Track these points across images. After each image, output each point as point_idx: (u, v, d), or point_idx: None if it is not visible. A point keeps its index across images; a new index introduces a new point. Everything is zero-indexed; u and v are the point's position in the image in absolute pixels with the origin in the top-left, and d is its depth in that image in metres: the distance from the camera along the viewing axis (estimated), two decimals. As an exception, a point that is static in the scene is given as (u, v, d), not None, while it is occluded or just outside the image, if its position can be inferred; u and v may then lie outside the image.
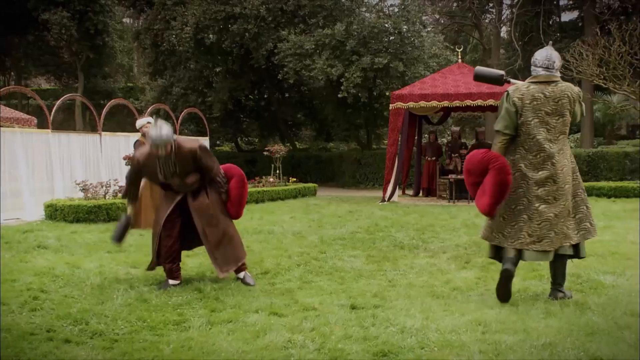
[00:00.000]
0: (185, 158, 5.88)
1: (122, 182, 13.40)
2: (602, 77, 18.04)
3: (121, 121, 29.47)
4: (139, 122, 11.02)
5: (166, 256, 6.05)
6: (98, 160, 14.55)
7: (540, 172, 5.24)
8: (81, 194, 12.46)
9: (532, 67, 5.44)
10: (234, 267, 6.12)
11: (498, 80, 5.80)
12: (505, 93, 5.40)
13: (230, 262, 6.07)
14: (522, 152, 5.32)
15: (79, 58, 30.71)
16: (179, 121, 19.36)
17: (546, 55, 5.40)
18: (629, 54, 17.42)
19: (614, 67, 17.64)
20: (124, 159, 12.77)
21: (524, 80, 5.45)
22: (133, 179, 6.26)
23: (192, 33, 23.54)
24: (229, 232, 6.20)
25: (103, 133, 14.95)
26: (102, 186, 12.71)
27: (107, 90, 34.42)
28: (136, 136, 11.58)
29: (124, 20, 38.32)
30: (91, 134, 15.26)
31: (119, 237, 6.23)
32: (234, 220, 6.41)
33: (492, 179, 5.12)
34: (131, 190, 6.31)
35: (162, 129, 5.68)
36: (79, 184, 12.51)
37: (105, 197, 12.58)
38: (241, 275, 6.19)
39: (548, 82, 5.33)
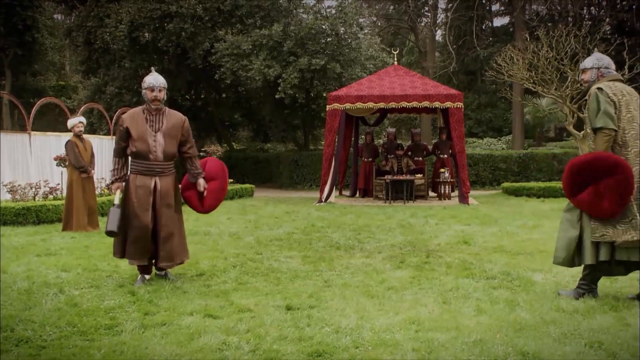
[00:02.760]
0: (174, 121, 6.12)
1: (53, 184, 13.04)
2: (532, 81, 18.64)
3: (52, 120, 28.61)
4: (71, 122, 10.75)
5: (143, 252, 6.01)
6: (27, 160, 14.08)
7: (634, 168, 5.14)
8: (8, 196, 12.03)
9: (605, 70, 5.49)
10: (174, 265, 6.19)
11: None
12: (597, 89, 5.27)
13: (173, 259, 6.11)
14: (617, 148, 5.21)
15: (6, 54, 29.60)
16: (113, 121, 18.93)
17: (608, 59, 5.58)
18: (556, 60, 18.06)
19: (543, 72, 18.25)
20: (55, 159, 12.40)
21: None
22: (122, 148, 6.09)
23: (126, 31, 23.07)
24: (182, 228, 6.29)
25: (33, 133, 14.47)
26: (31, 187, 12.31)
27: (37, 88, 33.33)
28: (68, 136, 11.27)
29: (55, 16, 37.14)
30: (20, 134, 14.76)
31: (118, 226, 5.89)
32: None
33: (619, 182, 5.02)
34: (120, 164, 6.13)
35: (158, 76, 6.14)
36: (6, 185, 12.08)
37: (34, 198, 12.19)
38: (162, 272, 6.31)
39: (621, 80, 5.47)
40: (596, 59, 5.54)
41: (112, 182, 6.15)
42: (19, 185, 12.15)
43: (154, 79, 6.10)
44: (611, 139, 5.19)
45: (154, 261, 6.20)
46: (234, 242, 8.93)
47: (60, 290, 5.72)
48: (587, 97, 5.45)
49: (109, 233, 5.90)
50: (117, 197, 6.03)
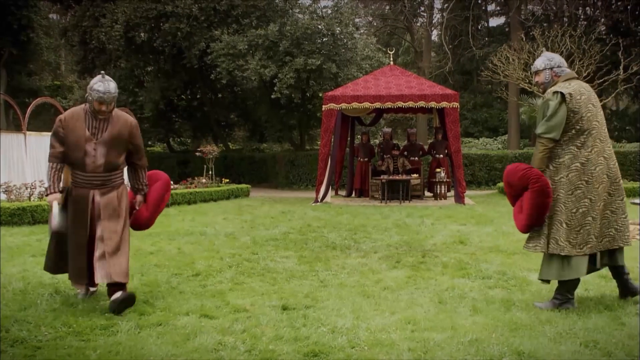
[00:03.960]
0: (120, 127, 5.22)
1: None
2: (527, 80, 18.69)
3: (48, 120, 28.51)
4: (66, 122, 10.71)
5: (84, 274, 5.28)
6: (22, 160, 14.03)
7: (597, 168, 5.00)
8: (4, 196, 12.00)
9: (558, 69, 5.29)
10: (123, 280, 5.12)
11: None
12: (553, 94, 5.06)
13: (121, 275, 5.11)
14: (575, 150, 5.02)
15: (1, 54, 29.51)
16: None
17: (559, 57, 5.42)
18: (552, 59, 18.09)
19: (538, 72, 18.28)
20: (50, 159, 12.37)
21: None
22: (60, 153, 5.16)
23: (122, 31, 23.06)
24: (127, 244, 5.28)
25: (28, 133, 14.43)
26: (26, 188, 12.28)
27: (33, 88, 33.22)
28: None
29: (51, 16, 37.07)
30: (15, 134, 14.71)
31: (59, 224, 5.23)
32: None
33: (531, 200, 4.96)
34: (55, 172, 5.15)
35: (110, 83, 5.13)
36: (1, 186, 12.05)
37: (30, 199, 12.16)
38: (119, 295, 5.02)
39: (576, 77, 5.32)
40: (547, 59, 5.36)
41: (47, 193, 5.17)
42: (14, 185, 12.12)
43: (104, 89, 5.07)
44: (548, 150, 5.10)
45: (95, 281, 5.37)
46: (230, 242, 8.92)
47: (56, 290, 5.70)
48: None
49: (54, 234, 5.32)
50: (55, 212, 5.19)
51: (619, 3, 30.15)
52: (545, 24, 27.63)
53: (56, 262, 5.48)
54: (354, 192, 18.61)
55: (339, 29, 22.16)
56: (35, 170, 14.17)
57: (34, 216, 11.11)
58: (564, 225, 4.96)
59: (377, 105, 16.35)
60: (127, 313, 4.94)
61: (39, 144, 14.56)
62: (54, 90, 36.52)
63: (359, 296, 5.51)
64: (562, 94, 5.01)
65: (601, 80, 18.36)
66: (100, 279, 5.10)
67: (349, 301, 5.31)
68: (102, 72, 5.38)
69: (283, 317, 4.80)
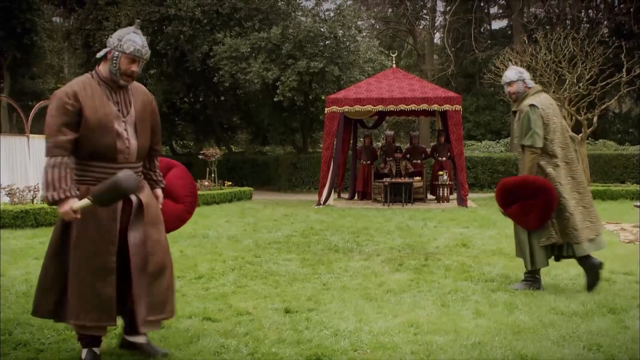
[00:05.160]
0: (143, 99, 4.01)
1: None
2: (530, 83, 18.65)
3: (50, 123, 28.54)
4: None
5: (107, 310, 3.69)
6: (26, 163, 14.06)
7: (561, 172, 5.75)
8: (7, 199, 12.02)
9: (528, 80, 5.92)
10: (162, 317, 3.91)
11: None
12: (530, 107, 5.69)
13: (164, 308, 3.89)
14: (547, 158, 5.73)
15: (5, 57, 29.60)
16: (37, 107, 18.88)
17: (527, 72, 6.08)
18: (554, 62, 18.10)
19: (541, 74, 18.28)
20: (53, 162, 12.39)
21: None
22: (69, 142, 3.65)
23: (125, 34, 23.07)
24: (169, 257, 4.02)
25: (31, 135, 14.46)
26: (29, 190, 12.30)
27: (36, 91, 33.31)
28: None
29: (54, 19, 37.17)
30: (18, 136, 14.75)
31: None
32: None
33: (543, 203, 5.57)
34: (65, 169, 3.63)
35: (144, 39, 3.91)
36: (4, 188, 12.07)
37: (33, 201, 12.18)
38: (142, 339, 3.90)
39: (545, 91, 5.96)
40: (518, 72, 5.96)
41: (57, 202, 3.60)
42: (17, 188, 12.14)
43: (142, 41, 3.86)
44: (537, 156, 5.70)
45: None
46: (233, 245, 8.92)
47: (59, 293, 5.70)
48: (514, 109, 5.95)
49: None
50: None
51: (622, 6, 30.16)
52: (547, 27, 27.64)
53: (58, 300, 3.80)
54: (356, 195, 18.60)
55: (341, 31, 22.18)
56: (39, 173, 14.20)
57: (37, 219, 11.12)
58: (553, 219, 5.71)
59: (380, 108, 16.35)
60: (130, 316, 4.94)
61: (42, 146, 14.59)
62: (57, 93, 36.53)
63: (361, 299, 5.51)
64: (537, 107, 5.68)
65: (604, 83, 18.34)
66: (145, 314, 3.74)
67: (352, 304, 5.30)
68: (138, 20, 4.35)
69: (286, 320, 4.80)
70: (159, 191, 4.19)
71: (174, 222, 4.39)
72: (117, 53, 3.79)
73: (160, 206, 4.12)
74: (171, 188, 4.37)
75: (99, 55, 3.85)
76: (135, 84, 3.99)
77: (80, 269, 3.66)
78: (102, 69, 3.84)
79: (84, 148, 3.71)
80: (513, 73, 5.97)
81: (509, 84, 5.97)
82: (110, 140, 3.72)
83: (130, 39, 3.81)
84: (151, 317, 3.77)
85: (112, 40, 3.84)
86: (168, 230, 4.17)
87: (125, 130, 3.79)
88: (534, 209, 5.60)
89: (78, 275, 3.67)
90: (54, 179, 3.60)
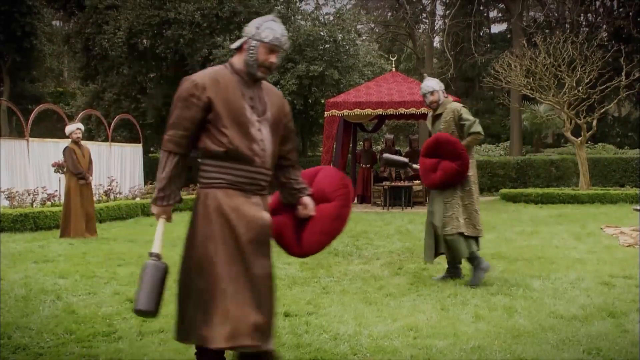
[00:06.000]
0: (277, 99, 3.58)
1: (51, 190, 13.02)
2: (529, 87, 18.69)
3: (51, 127, 28.58)
4: (69, 128, 10.76)
5: (236, 333, 3.15)
6: (25, 167, 14.07)
7: (472, 171, 6.47)
8: (6, 202, 12.02)
9: (445, 91, 6.70)
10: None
11: (403, 166, 7.63)
12: (463, 107, 6.65)
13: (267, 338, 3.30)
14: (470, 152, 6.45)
15: (5, 61, 29.61)
16: (112, 127, 18.94)
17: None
18: (553, 66, 18.11)
19: (540, 78, 18.30)
20: (53, 165, 12.42)
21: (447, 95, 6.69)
22: (185, 139, 3.25)
23: (125, 38, 23.11)
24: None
25: (31, 139, 14.47)
26: (29, 194, 12.31)
27: (35, 94, 33.28)
28: (66, 142, 11.27)
29: (54, 22, 37.20)
30: (18, 140, 14.76)
31: (157, 301, 3.42)
32: None
33: (457, 166, 6.28)
34: (176, 171, 3.28)
35: (284, 28, 3.46)
36: (4, 192, 12.07)
37: (32, 205, 12.18)
38: None
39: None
40: (438, 83, 6.64)
41: (156, 202, 3.34)
42: (16, 191, 12.15)
43: (281, 30, 3.41)
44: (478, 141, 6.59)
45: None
46: (232, 249, 8.90)
47: (58, 297, 5.70)
48: (438, 113, 6.55)
49: (142, 313, 3.33)
50: (157, 238, 3.46)
51: (621, 10, 30.20)
52: (547, 31, 27.65)
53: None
54: (356, 199, 18.59)
55: (341, 35, 22.21)
56: (38, 177, 14.21)
57: (36, 222, 11.12)
58: (478, 213, 6.38)
59: (379, 111, 16.36)
60: (130, 320, 4.94)
61: (42, 150, 14.60)
62: (57, 96, 36.58)
63: (361, 303, 5.50)
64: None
65: (603, 87, 18.35)
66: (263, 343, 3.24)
67: (351, 308, 5.30)
68: (277, 7, 3.53)
69: (285, 323, 4.79)
70: (307, 199, 3.67)
71: (335, 222, 3.73)
72: (254, 42, 3.35)
73: (313, 213, 3.64)
74: (320, 191, 3.84)
75: (233, 45, 3.45)
76: (267, 84, 3.55)
77: (213, 292, 3.33)
78: (237, 60, 3.40)
79: (215, 146, 3.26)
80: (435, 83, 6.61)
81: (432, 93, 6.56)
82: (245, 138, 3.28)
83: (269, 27, 3.38)
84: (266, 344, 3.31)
85: (249, 28, 3.41)
86: (336, 234, 3.74)
87: (260, 130, 3.35)
88: (446, 170, 6.23)
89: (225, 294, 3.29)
90: (164, 177, 3.27)
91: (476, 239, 6.38)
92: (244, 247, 3.23)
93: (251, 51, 3.33)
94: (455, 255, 6.37)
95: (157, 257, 3.35)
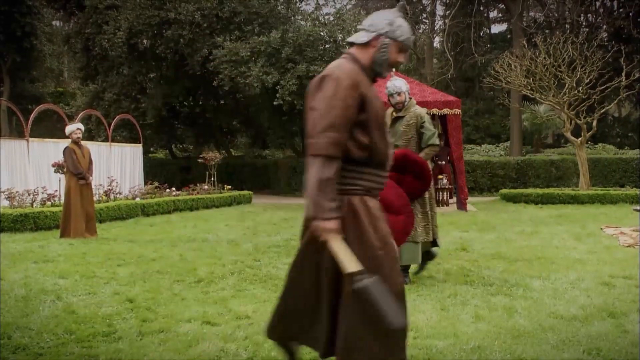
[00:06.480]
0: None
1: (51, 190, 13.01)
2: (529, 87, 18.69)
3: (51, 127, 28.58)
4: (69, 128, 10.75)
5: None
6: (25, 167, 14.07)
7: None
8: (6, 202, 12.02)
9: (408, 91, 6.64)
10: None
11: None
12: (427, 114, 6.62)
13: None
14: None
15: (5, 61, 29.62)
16: (112, 127, 18.93)
17: None
18: (553, 66, 18.11)
19: (540, 78, 18.30)
20: (53, 166, 12.42)
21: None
22: (342, 143, 2.87)
23: (125, 38, 23.11)
24: None
25: (31, 139, 14.47)
26: (29, 194, 12.30)
27: (35, 94, 33.31)
28: (66, 143, 11.27)
29: (54, 22, 37.20)
30: (18, 140, 14.75)
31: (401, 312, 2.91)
32: None
33: (419, 188, 6.23)
34: (334, 185, 2.86)
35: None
36: (4, 192, 12.07)
37: (32, 205, 12.18)
38: None
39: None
40: (405, 83, 6.50)
41: (331, 213, 2.83)
42: (16, 191, 12.14)
43: (410, 29, 3.20)
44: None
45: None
46: (232, 249, 8.92)
47: (58, 297, 5.70)
48: (401, 115, 6.45)
49: (399, 330, 2.89)
50: (347, 254, 2.85)
51: (621, 10, 30.21)
52: (547, 31, 27.67)
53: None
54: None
55: (341, 35, 22.20)
56: (38, 177, 14.20)
57: (36, 222, 11.12)
58: (435, 213, 6.60)
59: (379, 111, 16.35)
60: (130, 320, 4.94)
61: (42, 150, 14.60)
62: (57, 97, 36.60)
63: (361, 303, 5.49)
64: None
65: (603, 87, 18.35)
66: None
67: (351, 308, 5.29)
68: (402, 1, 3.21)
69: (285, 324, 4.79)
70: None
71: (403, 236, 4.59)
72: (387, 40, 3.08)
73: None
74: (388, 201, 3.91)
75: (360, 40, 3.09)
76: None
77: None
78: (363, 56, 3.09)
79: (358, 150, 2.97)
80: (402, 83, 6.48)
81: (399, 93, 6.46)
82: (385, 141, 3.06)
83: (401, 25, 3.11)
84: None
85: (380, 24, 3.09)
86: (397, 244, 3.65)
87: (388, 133, 3.19)
88: (410, 186, 6.03)
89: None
90: (327, 184, 2.83)
91: (434, 241, 6.57)
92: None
93: (383, 49, 3.07)
94: (403, 260, 6.23)
95: (363, 272, 2.82)
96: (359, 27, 3.20)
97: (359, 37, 3.11)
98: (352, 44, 3.14)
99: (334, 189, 2.85)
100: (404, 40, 3.10)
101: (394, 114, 6.56)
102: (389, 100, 6.57)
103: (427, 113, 6.88)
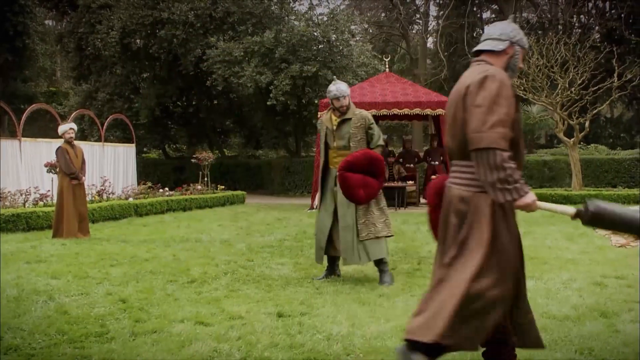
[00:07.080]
0: None
1: (43, 190, 12.97)
2: (522, 88, 18.72)
3: (43, 127, 28.45)
4: (62, 128, 10.73)
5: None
6: (17, 167, 14.00)
7: None
8: (-2, 203, 11.97)
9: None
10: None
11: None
12: (371, 116, 6.79)
13: None
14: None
15: (-4, 60, 29.45)
16: (104, 127, 18.88)
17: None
18: (546, 67, 18.16)
19: (533, 79, 18.35)
20: (46, 165, 12.38)
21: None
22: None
23: (118, 37, 23.06)
24: None
25: (23, 139, 14.41)
26: (21, 194, 12.25)
27: (28, 94, 33.07)
28: (59, 142, 11.23)
29: (46, 22, 37.02)
30: (10, 140, 14.69)
31: None
32: None
33: (377, 188, 6.53)
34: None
35: None
36: (-4, 192, 12.02)
37: (24, 205, 12.13)
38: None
39: None
40: (347, 87, 6.61)
41: (525, 190, 3.08)
42: (9, 191, 12.09)
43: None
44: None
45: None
46: (225, 249, 8.91)
47: (50, 297, 5.68)
48: (347, 117, 6.54)
49: None
50: (557, 207, 3.33)
51: (613, 11, 30.33)
52: (540, 32, 27.74)
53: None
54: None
55: (334, 36, 22.21)
56: (30, 177, 14.14)
57: (28, 222, 11.07)
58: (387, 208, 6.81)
59: (373, 112, 16.32)
60: (122, 320, 4.93)
61: (34, 150, 14.54)
62: (50, 96, 36.41)
63: (354, 303, 5.51)
64: None
65: (596, 88, 18.42)
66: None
67: (345, 308, 5.30)
68: (512, 15, 3.32)
69: (278, 324, 4.79)
70: None
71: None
72: (518, 48, 3.32)
73: None
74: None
75: (498, 48, 3.29)
76: None
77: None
78: (496, 63, 3.29)
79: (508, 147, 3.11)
80: (346, 87, 6.59)
81: (344, 97, 6.55)
82: (520, 143, 3.30)
83: (521, 32, 3.37)
84: None
85: (511, 33, 3.31)
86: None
87: None
88: (372, 188, 6.30)
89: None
90: (512, 169, 3.03)
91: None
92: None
93: (516, 57, 3.32)
94: (374, 255, 6.52)
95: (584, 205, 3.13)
96: (482, 37, 3.39)
97: (495, 45, 3.31)
98: (480, 52, 3.36)
99: (515, 170, 3.03)
100: (527, 48, 3.40)
101: (336, 117, 6.64)
102: (332, 103, 6.63)
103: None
